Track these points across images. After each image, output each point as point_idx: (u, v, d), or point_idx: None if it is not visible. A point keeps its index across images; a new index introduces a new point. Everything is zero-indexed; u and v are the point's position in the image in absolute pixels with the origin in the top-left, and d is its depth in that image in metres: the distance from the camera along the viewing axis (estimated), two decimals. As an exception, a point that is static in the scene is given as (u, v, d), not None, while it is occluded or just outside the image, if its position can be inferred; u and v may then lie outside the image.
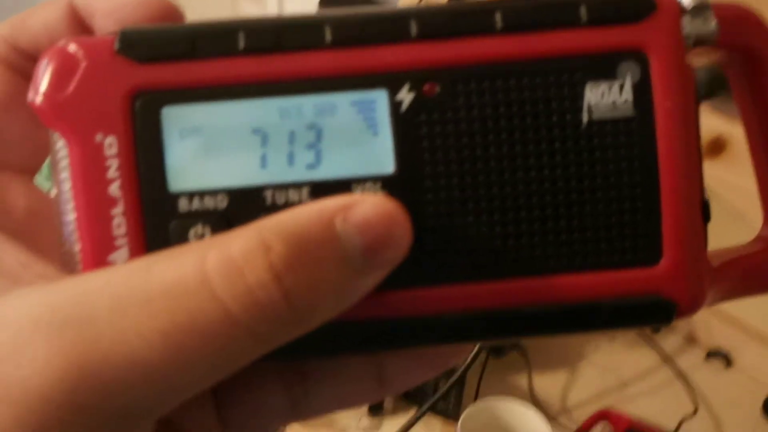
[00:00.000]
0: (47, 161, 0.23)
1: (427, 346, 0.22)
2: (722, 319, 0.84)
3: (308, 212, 0.18)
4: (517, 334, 0.22)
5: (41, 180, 0.24)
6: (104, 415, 0.17)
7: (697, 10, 0.22)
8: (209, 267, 0.17)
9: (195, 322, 0.17)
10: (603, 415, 0.80)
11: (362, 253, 0.18)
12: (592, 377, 0.84)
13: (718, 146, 0.65)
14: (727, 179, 0.65)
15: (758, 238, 0.25)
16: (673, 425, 0.79)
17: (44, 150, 0.23)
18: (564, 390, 0.85)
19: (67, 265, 0.21)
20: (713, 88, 0.60)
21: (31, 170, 0.23)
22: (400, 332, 0.21)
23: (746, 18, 0.23)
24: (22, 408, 0.16)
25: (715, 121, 0.65)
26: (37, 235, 0.22)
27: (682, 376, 0.85)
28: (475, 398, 0.79)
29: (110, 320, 0.17)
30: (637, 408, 0.80)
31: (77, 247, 0.20)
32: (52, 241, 0.21)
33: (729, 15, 0.22)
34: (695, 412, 0.81)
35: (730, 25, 0.22)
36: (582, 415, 0.81)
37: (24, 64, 0.22)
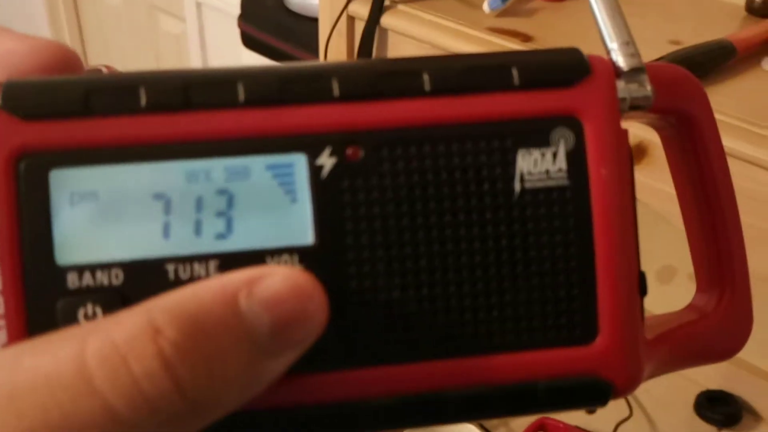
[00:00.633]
0: None
1: None
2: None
3: (208, 288, 0.16)
4: (449, 419, 0.20)
5: None
6: None
7: (633, 74, 0.21)
8: (88, 355, 0.15)
9: (70, 421, 0.15)
10: (541, 425, 0.80)
11: (270, 333, 0.16)
12: (528, 387, 0.84)
13: (640, 152, 0.65)
14: (650, 184, 0.65)
15: (691, 307, 0.24)
16: (609, 429, 0.80)
17: None
18: (501, 401, 0.85)
19: None
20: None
21: None
22: (317, 421, 0.19)
23: (682, 81, 0.22)
24: None
25: (636, 128, 0.65)
26: None
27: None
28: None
29: None
30: (573, 415, 0.81)
31: None
32: None
33: (665, 78, 0.22)
34: (630, 415, 0.82)
35: (665, 88, 0.21)
36: (520, 426, 0.81)
37: None
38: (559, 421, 0.80)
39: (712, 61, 0.64)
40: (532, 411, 0.21)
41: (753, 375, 0.82)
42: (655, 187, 0.65)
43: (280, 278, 0.17)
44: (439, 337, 0.19)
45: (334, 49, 0.86)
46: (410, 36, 0.78)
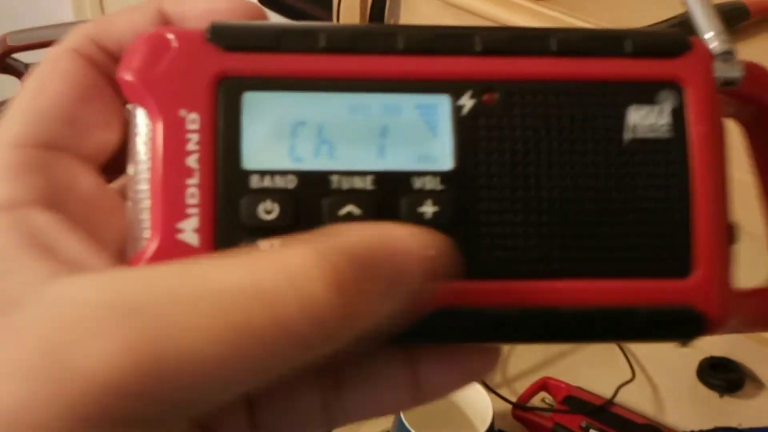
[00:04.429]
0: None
1: (461, 341, 0.23)
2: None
3: (372, 233, 0.19)
4: (559, 337, 0.23)
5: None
6: (158, 406, 0.17)
7: (725, 55, 0.24)
8: (265, 273, 0.18)
9: (250, 325, 0.17)
10: (542, 385, 0.81)
11: (419, 278, 0.19)
12: (531, 349, 0.85)
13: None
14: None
15: None
16: (610, 392, 0.80)
17: (111, 143, 0.24)
18: (504, 362, 0.85)
19: (130, 240, 0.22)
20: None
21: (98, 161, 0.23)
22: (434, 323, 0.22)
23: (763, 74, 0.25)
24: (83, 395, 0.16)
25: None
26: (98, 223, 0.22)
27: (619, 345, 0.86)
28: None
29: (171, 314, 0.17)
30: (576, 377, 0.81)
31: (146, 215, 0.21)
32: (111, 233, 0.22)
33: (751, 68, 0.25)
34: (632, 378, 0.83)
35: (749, 75, 0.24)
36: (522, 386, 0.82)
37: (106, 62, 0.23)
38: (560, 381, 0.80)
39: (725, 22, 0.63)
40: (632, 336, 0.23)
41: (756, 342, 0.82)
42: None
43: (426, 236, 0.20)
44: (554, 258, 0.22)
45: (347, 6, 0.86)
46: (424, -6, 0.78)
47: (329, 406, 0.23)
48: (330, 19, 0.88)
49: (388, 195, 0.22)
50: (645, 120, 0.23)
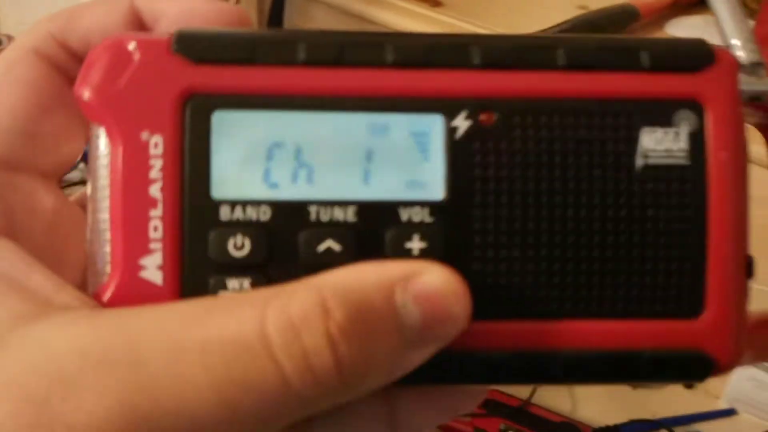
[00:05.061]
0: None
1: (454, 384, 0.21)
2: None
3: (370, 276, 0.18)
4: (556, 380, 0.21)
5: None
6: None
7: (753, 67, 0.22)
8: (269, 325, 0.17)
9: (250, 380, 0.16)
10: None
11: (419, 328, 0.18)
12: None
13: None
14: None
15: None
16: (527, 393, 0.81)
17: (74, 156, 0.22)
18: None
19: (91, 271, 0.20)
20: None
21: (59, 175, 0.22)
22: (424, 366, 0.19)
23: None
24: None
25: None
26: (60, 245, 0.21)
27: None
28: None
29: (164, 366, 0.16)
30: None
31: (107, 248, 0.19)
32: (74, 253, 0.21)
33: None
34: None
35: None
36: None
37: (70, 64, 0.21)
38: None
39: (616, 24, 0.64)
40: (635, 379, 0.21)
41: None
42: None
43: (435, 277, 0.18)
44: (553, 297, 0.20)
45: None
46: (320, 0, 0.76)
47: None
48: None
49: (372, 228, 0.20)
50: (659, 145, 0.21)
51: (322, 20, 0.79)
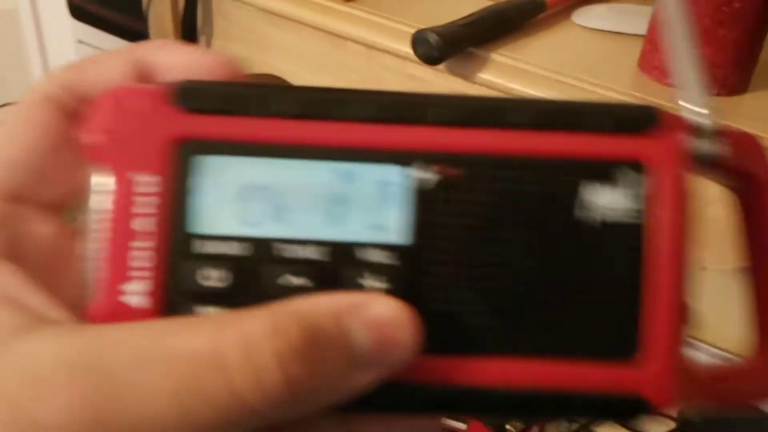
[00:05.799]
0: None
1: (404, 413, 0.23)
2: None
3: (322, 303, 0.20)
4: (495, 413, 0.23)
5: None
6: None
7: (704, 130, 0.22)
8: (226, 342, 0.19)
9: (205, 392, 0.18)
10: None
11: (368, 352, 0.20)
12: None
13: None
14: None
15: (747, 360, 0.25)
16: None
17: (75, 191, 0.24)
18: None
19: (84, 294, 0.22)
20: (445, 52, 0.61)
21: (59, 208, 0.24)
22: (375, 394, 0.21)
23: (751, 145, 0.24)
24: None
25: (452, 83, 0.66)
26: (56, 272, 0.23)
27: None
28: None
29: (130, 373, 0.18)
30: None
31: (96, 273, 0.21)
32: (68, 280, 0.23)
33: (737, 140, 0.23)
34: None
35: (737, 149, 0.23)
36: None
37: (78, 109, 0.23)
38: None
39: (524, 15, 0.66)
40: (568, 416, 0.23)
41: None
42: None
43: (384, 306, 0.20)
44: (500, 336, 0.22)
45: (157, 14, 0.83)
46: (235, -1, 0.76)
47: None
48: (144, 27, 0.85)
49: (336, 266, 0.21)
50: (601, 201, 0.22)
51: (236, 17, 0.79)
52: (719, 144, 0.23)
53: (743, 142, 0.24)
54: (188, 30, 0.81)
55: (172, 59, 0.24)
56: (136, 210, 0.21)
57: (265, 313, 0.19)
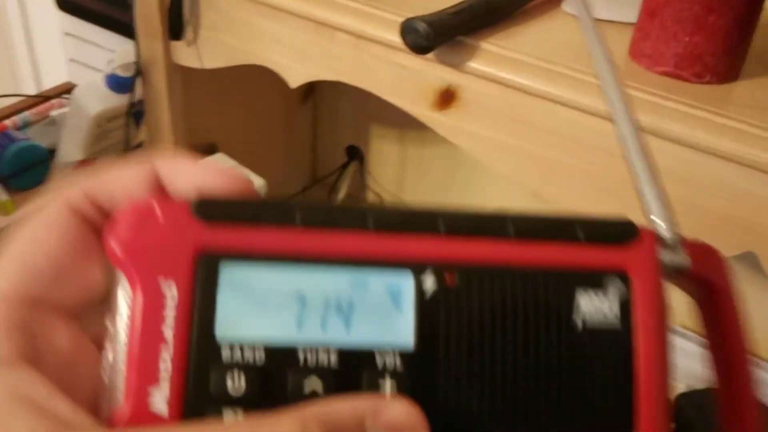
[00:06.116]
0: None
1: None
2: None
3: (345, 407, 0.21)
4: None
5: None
6: None
7: (672, 243, 0.25)
8: None
9: None
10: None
11: None
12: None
13: (448, 97, 0.66)
14: (463, 128, 0.66)
15: None
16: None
17: (92, 297, 0.25)
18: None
19: (106, 398, 0.22)
20: (434, 41, 0.60)
21: (76, 313, 0.24)
22: None
23: (711, 255, 0.26)
24: None
25: (441, 72, 0.65)
26: (73, 378, 0.23)
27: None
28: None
29: None
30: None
31: (121, 378, 0.22)
32: (85, 386, 0.23)
33: (697, 251, 0.26)
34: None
35: (698, 258, 0.25)
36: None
37: (97, 218, 0.24)
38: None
39: (513, 3, 0.65)
40: None
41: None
42: (469, 130, 0.66)
43: (400, 410, 0.21)
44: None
45: (144, 4, 0.82)
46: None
47: None
48: (130, 19, 0.84)
49: (352, 371, 0.23)
50: (593, 308, 0.24)
51: (222, 7, 0.78)
52: (682, 254, 0.25)
53: (703, 252, 0.26)
54: (175, 20, 0.80)
55: (187, 177, 0.25)
56: (162, 317, 0.22)
57: (293, 418, 0.20)
